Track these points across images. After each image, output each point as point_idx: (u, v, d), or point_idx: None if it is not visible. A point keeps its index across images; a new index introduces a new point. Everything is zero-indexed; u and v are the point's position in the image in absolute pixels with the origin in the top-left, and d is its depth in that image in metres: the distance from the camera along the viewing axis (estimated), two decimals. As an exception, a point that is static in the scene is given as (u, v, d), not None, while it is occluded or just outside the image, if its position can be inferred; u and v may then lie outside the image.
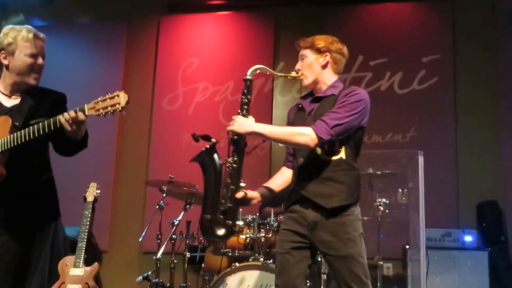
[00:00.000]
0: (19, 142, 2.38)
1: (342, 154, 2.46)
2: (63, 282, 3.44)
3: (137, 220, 5.36)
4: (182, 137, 5.52)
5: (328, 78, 2.60)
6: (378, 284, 4.04)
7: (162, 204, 4.07)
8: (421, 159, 3.35)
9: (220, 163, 2.53)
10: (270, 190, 2.69)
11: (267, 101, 5.51)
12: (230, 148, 2.55)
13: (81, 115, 2.33)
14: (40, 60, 2.57)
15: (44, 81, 2.73)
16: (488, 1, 5.29)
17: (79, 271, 3.50)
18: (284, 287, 2.46)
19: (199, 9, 5.86)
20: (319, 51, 2.61)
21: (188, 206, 3.95)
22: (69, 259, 3.52)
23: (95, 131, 5.47)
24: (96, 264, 3.63)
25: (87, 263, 3.59)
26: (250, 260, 3.56)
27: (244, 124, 2.43)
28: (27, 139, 2.38)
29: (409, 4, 5.51)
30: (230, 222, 2.50)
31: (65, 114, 2.34)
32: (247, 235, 3.67)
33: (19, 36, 2.52)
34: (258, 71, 2.63)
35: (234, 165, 2.51)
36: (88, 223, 3.68)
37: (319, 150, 2.45)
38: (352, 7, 5.60)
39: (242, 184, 2.53)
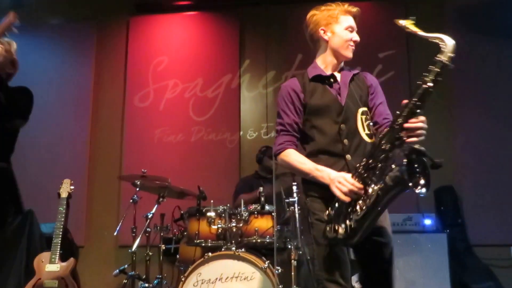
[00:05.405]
0: None
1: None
2: (39, 278, 3.47)
3: (112, 215, 5.35)
4: (153, 132, 5.56)
5: None
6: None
7: (136, 198, 4.07)
8: (381, 148, 3.50)
9: None
10: None
11: (234, 97, 5.58)
12: None
13: None
14: None
15: (17, 80, 2.84)
16: (438, -1, 5.45)
17: (55, 267, 3.53)
18: (345, 280, 2.21)
19: (166, 10, 5.87)
20: None
21: (161, 199, 3.96)
22: (44, 256, 3.55)
23: (68, 128, 5.54)
24: (72, 259, 3.65)
25: (63, 258, 3.61)
26: (223, 249, 3.59)
27: None
28: None
29: (365, 3, 5.52)
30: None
31: None
32: (219, 225, 3.70)
33: None
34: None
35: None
36: (62, 219, 3.70)
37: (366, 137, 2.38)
38: (312, 7, 5.70)
39: None
